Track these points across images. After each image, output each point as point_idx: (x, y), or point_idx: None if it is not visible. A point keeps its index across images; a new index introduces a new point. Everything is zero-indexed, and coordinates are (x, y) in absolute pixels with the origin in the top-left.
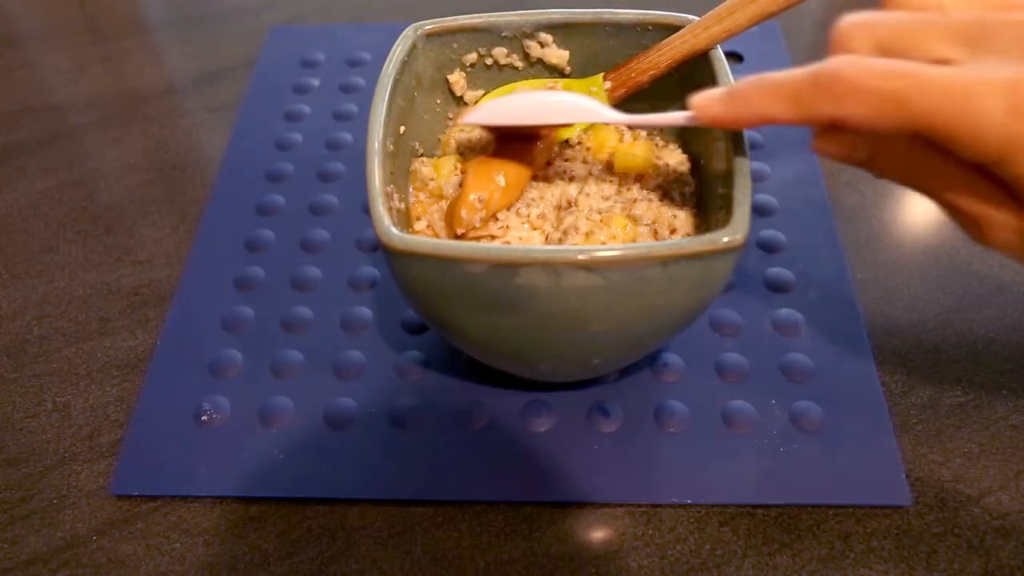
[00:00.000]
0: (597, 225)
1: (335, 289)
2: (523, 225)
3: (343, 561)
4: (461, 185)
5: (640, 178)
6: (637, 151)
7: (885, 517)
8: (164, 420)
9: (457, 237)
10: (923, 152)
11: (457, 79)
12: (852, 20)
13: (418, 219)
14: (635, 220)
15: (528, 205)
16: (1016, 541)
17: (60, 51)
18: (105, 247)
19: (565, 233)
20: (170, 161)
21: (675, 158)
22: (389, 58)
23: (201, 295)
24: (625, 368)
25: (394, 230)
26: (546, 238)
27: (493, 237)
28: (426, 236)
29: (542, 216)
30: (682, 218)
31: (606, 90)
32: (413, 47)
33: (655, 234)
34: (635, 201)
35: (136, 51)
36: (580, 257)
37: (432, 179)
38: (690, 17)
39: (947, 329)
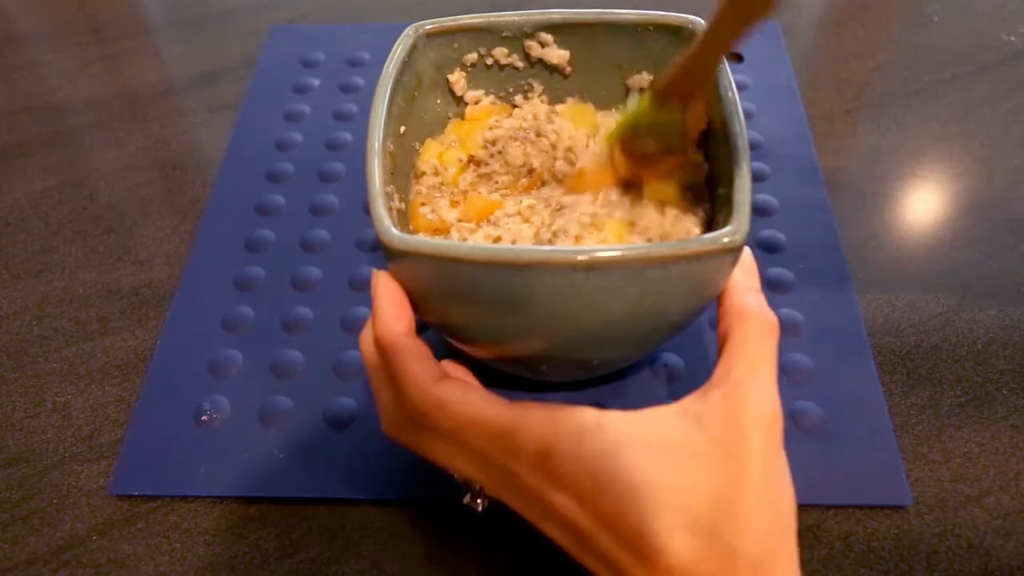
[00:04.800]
0: (587, 229)
1: (335, 289)
2: (515, 215)
3: (343, 561)
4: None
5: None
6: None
7: (885, 517)
8: (164, 420)
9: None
10: None
11: (457, 79)
12: None
13: (423, 204)
14: (633, 225)
15: (520, 199)
16: (1016, 541)
17: (60, 51)
18: (105, 247)
19: (555, 235)
20: (170, 161)
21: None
22: (389, 58)
23: (201, 295)
24: (625, 368)
25: (394, 230)
26: (536, 234)
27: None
28: (426, 236)
29: (531, 208)
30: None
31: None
32: (414, 47)
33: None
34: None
35: (136, 51)
36: (580, 258)
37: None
38: (690, 17)
39: (947, 329)
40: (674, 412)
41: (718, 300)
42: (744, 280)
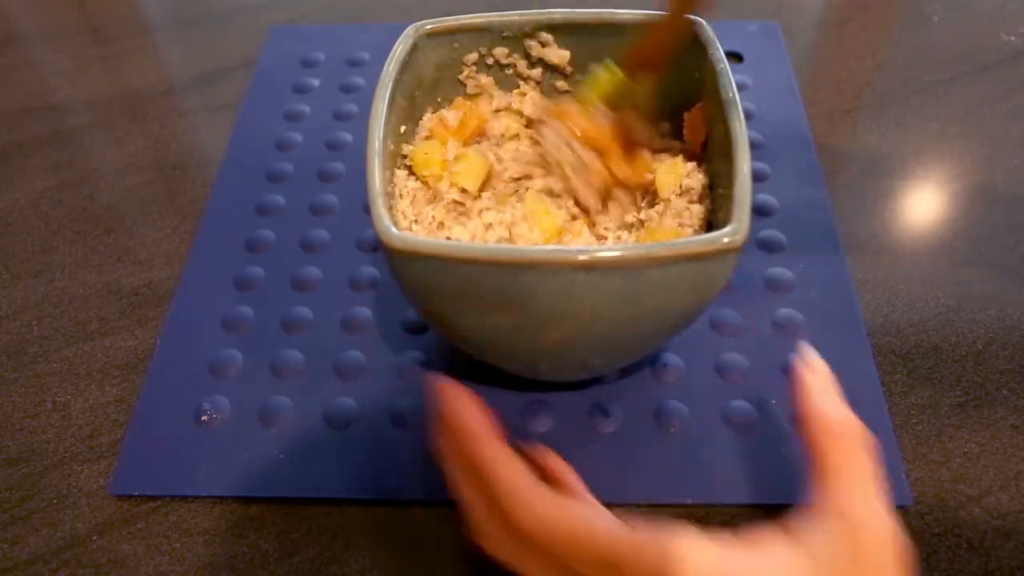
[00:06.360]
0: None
1: (335, 289)
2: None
3: (343, 561)
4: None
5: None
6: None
7: None
8: (164, 420)
9: None
10: None
11: (483, 81)
12: None
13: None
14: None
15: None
16: (1016, 541)
17: (60, 51)
18: (105, 247)
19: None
20: (170, 161)
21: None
22: (390, 58)
23: (201, 295)
24: (625, 368)
25: (394, 230)
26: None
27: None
28: (425, 237)
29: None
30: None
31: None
32: (414, 47)
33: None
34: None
35: (136, 51)
36: (580, 258)
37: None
38: (691, 17)
39: (947, 329)
40: (797, 554)
41: (796, 407)
42: (821, 386)
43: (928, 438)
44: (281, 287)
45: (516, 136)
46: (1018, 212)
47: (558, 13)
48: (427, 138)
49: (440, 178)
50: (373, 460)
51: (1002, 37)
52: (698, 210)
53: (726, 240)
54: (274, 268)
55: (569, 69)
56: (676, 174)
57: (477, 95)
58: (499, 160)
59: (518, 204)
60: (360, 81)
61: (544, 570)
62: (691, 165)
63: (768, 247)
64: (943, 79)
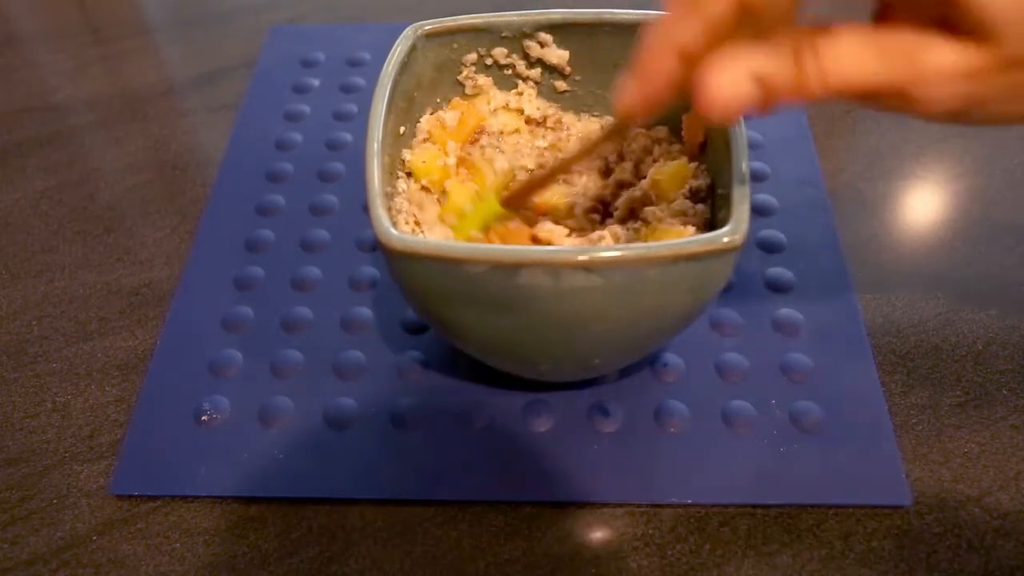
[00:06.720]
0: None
1: (335, 289)
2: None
3: (343, 561)
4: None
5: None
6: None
7: (885, 517)
8: (164, 420)
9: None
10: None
11: (481, 81)
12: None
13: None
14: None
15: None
16: (1016, 541)
17: (60, 51)
18: (105, 247)
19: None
20: (170, 161)
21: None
22: (389, 58)
23: (201, 295)
24: (625, 368)
25: (393, 231)
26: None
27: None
28: (425, 237)
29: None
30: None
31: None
32: (413, 47)
33: None
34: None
35: (136, 51)
36: (580, 258)
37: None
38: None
39: (947, 329)
40: None
41: None
42: None
43: (928, 438)
44: (281, 287)
45: (516, 131)
46: (1018, 212)
47: (557, 13)
48: (425, 140)
49: (439, 184)
50: (373, 460)
51: None
52: (699, 210)
53: (726, 240)
54: (274, 268)
55: (568, 69)
56: (681, 176)
57: (476, 95)
58: (500, 152)
59: None
60: (360, 81)
61: None
62: (693, 166)
63: (768, 247)
64: None
